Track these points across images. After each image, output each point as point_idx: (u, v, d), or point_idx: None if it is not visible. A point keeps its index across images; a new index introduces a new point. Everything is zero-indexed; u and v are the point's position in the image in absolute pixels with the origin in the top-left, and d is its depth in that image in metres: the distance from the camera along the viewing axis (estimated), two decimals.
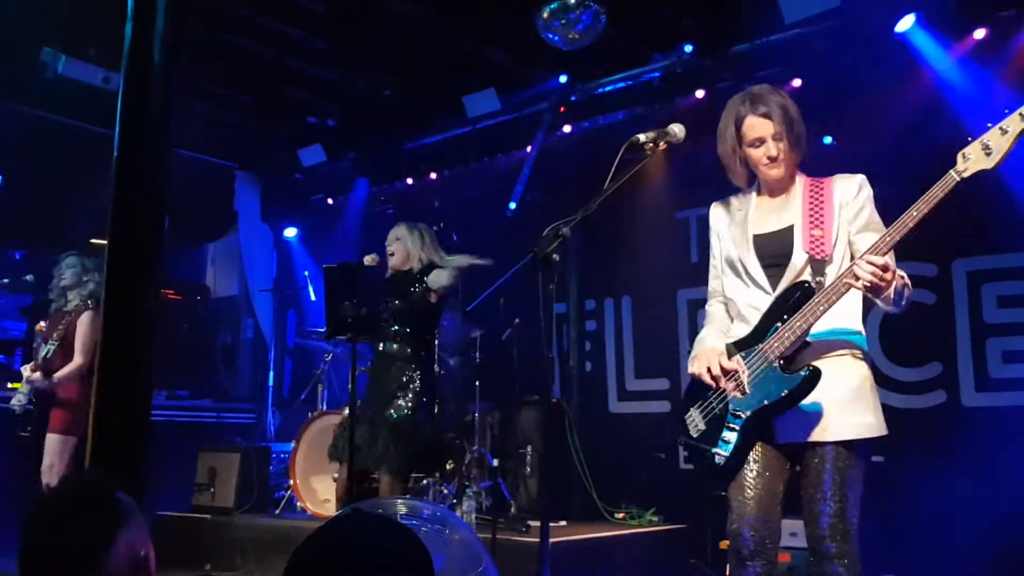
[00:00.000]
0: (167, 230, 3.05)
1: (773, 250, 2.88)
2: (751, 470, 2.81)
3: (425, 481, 5.90)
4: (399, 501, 2.94)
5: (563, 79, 6.74)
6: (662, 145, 2.85)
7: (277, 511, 6.54)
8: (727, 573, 2.90)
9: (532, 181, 7.14)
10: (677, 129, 2.86)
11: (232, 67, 7.06)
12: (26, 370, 5.53)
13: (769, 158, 2.87)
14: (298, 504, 6.32)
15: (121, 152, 2.96)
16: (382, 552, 1.48)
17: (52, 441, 5.49)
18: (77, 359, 5.60)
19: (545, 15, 5.69)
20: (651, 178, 6.53)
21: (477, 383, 6.14)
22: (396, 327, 4.69)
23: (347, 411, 4.80)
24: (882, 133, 5.57)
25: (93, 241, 7.39)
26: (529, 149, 7.11)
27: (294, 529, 5.81)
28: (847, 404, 2.74)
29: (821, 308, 2.66)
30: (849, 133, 5.70)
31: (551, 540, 2.78)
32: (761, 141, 2.87)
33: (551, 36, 5.78)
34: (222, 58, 6.83)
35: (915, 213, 2.56)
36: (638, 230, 6.79)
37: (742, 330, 2.90)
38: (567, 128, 7.02)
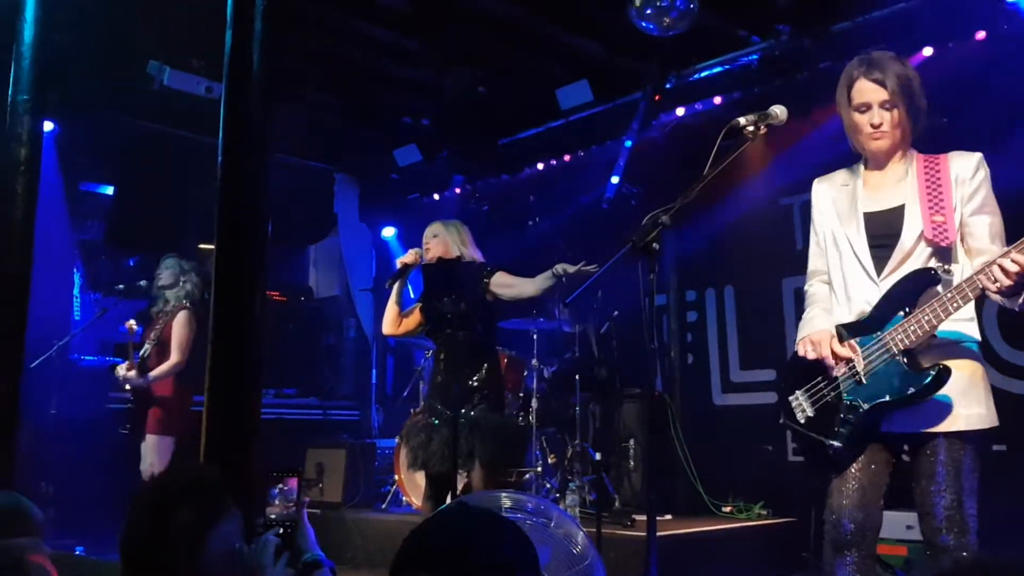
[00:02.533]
0: (271, 234, 3.11)
1: (882, 229, 2.76)
2: (856, 460, 2.73)
3: (528, 475, 5.91)
4: (503, 495, 2.93)
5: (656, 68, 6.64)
6: (763, 128, 2.76)
7: (384, 506, 6.65)
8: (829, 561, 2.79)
9: (628, 171, 7.07)
10: (779, 111, 2.77)
11: (326, 71, 7.19)
12: (121, 369, 5.68)
13: (872, 125, 2.74)
14: (403, 499, 6.40)
15: (225, 159, 3.03)
16: (487, 546, 1.48)
17: (151, 441, 5.62)
18: (173, 358, 5.70)
19: (638, 2, 5.59)
20: (753, 163, 6.36)
21: (577, 377, 6.12)
22: (458, 320, 4.51)
23: (419, 416, 4.76)
24: (995, 109, 5.32)
25: (202, 246, 7.63)
26: (624, 139, 7.03)
27: (401, 523, 5.89)
28: (958, 394, 2.62)
29: (954, 305, 2.54)
30: (960, 110, 5.46)
31: (657, 534, 2.74)
32: (867, 107, 2.75)
33: (644, 24, 5.68)
34: (316, 63, 6.96)
35: None
36: (740, 218, 6.64)
37: (845, 311, 2.80)
38: (663, 116, 6.92)
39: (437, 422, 4.49)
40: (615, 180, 7.07)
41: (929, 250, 2.69)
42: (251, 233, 3.01)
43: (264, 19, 3.02)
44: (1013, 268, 2.41)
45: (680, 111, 6.82)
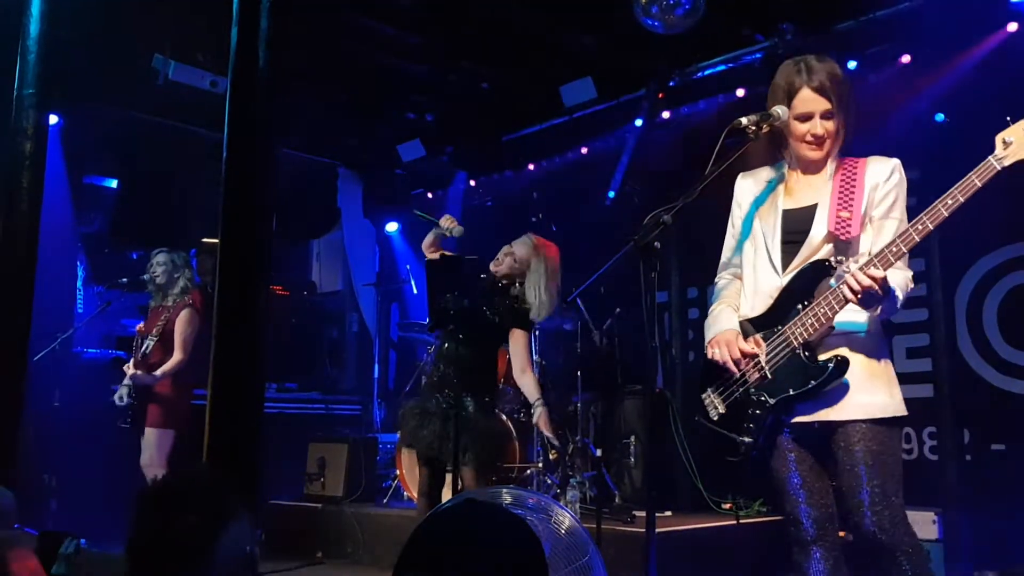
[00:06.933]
0: (275, 228, 3.13)
1: (795, 226, 2.80)
2: (792, 457, 2.76)
3: (529, 471, 5.93)
4: (504, 491, 2.94)
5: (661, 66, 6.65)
6: (765, 128, 2.78)
7: (385, 500, 6.67)
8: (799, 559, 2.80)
9: (631, 169, 7.08)
10: (780, 111, 2.78)
11: (331, 67, 7.20)
12: (128, 367, 5.72)
13: (814, 135, 2.77)
14: (405, 494, 6.42)
15: (230, 153, 3.04)
16: (495, 542, 1.49)
17: (150, 435, 5.65)
18: (176, 355, 5.74)
19: (644, 0, 5.60)
20: (755, 162, 6.35)
21: (579, 373, 6.13)
22: (460, 318, 4.46)
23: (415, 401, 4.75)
24: (998, 109, 5.32)
25: (205, 240, 7.65)
26: (627, 137, 7.04)
27: (402, 518, 5.90)
28: (858, 383, 2.64)
29: (842, 301, 2.56)
30: (962, 110, 5.47)
31: (656, 530, 2.75)
32: (809, 117, 2.77)
33: (650, 22, 5.69)
34: (321, 58, 6.97)
35: (950, 202, 2.42)
36: None
37: (756, 305, 2.83)
38: (666, 114, 6.92)
39: (430, 410, 4.46)
40: (618, 177, 7.08)
41: (832, 246, 2.72)
42: (256, 227, 3.03)
43: (270, 16, 3.04)
44: (866, 282, 2.46)
45: (684, 109, 6.83)
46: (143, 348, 5.74)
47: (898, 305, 2.58)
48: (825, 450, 2.73)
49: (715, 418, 2.85)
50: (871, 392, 2.65)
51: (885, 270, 2.49)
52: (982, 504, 5.26)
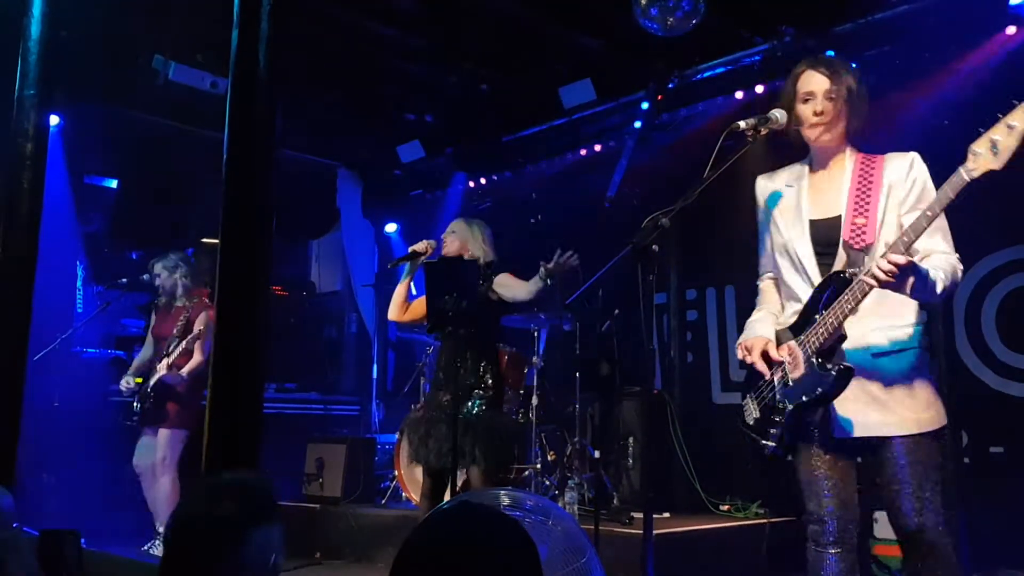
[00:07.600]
0: (275, 228, 3.13)
1: (824, 238, 2.81)
2: (823, 461, 2.79)
3: (527, 472, 5.93)
4: (502, 492, 2.95)
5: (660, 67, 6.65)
6: (763, 131, 2.80)
7: (383, 501, 6.68)
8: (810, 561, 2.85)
9: (630, 171, 7.08)
10: (779, 115, 2.80)
11: (331, 67, 7.20)
12: (162, 367, 5.77)
13: (815, 113, 2.79)
14: (403, 494, 6.43)
15: (230, 154, 3.04)
16: (489, 544, 1.50)
17: (164, 435, 5.72)
18: (197, 356, 5.85)
19: (643, 2, 5.60)
20: (753, 165, 6.36)
21: (577, 375, 6.14)
22: (460, 319, 4.45)
23: (420, 411, 4.77)
24: (998, 112, 5.33)
25: (205, 240, 7.66)
26: (626, 139, 7.05)
27: (400, 519, 5.91)
28: (904, 400, 2.69)
29: (848, 307, 2.59)
30: (961, 113, 5.48)
31: (654, 532, 2.76)
32: (811, 96, 2.80)
33: (649, 24, 5.69)
34: (321, 59, 6.97)
35: (929, 213, 2.46)
36: (740, 219, 6.63)
37: (792, 313, 2.86)
38: (665, 116, 6.93)
39: (436, 417, 4.50)
40: (617, 179, 7.09)
41: (864, 256, 2.72)
42: (256, 227, 3.03)
43: (270, 18, 3.04)
44: (887, 268, 2.46)
45: (683, 111, 6.84)
46: (171, 349, 5.80)
47: (932, 283, 2.56)
48: (864, 459, 2.79)
49: (751, 423, 2.90)
50: (917, 409, 2.70)
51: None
52: (981, 506, 5.26)
